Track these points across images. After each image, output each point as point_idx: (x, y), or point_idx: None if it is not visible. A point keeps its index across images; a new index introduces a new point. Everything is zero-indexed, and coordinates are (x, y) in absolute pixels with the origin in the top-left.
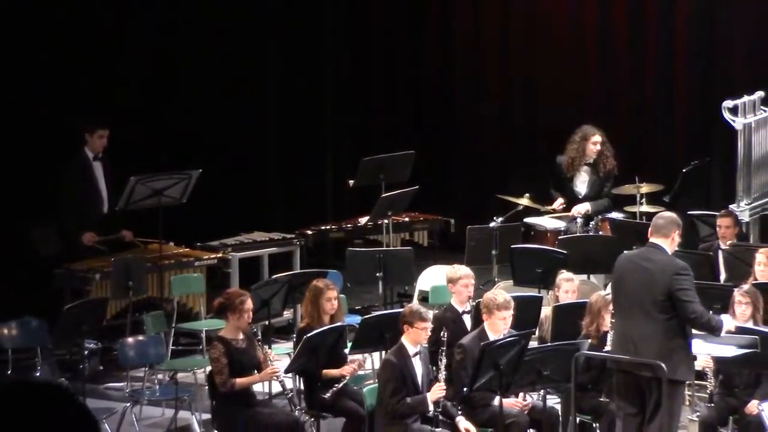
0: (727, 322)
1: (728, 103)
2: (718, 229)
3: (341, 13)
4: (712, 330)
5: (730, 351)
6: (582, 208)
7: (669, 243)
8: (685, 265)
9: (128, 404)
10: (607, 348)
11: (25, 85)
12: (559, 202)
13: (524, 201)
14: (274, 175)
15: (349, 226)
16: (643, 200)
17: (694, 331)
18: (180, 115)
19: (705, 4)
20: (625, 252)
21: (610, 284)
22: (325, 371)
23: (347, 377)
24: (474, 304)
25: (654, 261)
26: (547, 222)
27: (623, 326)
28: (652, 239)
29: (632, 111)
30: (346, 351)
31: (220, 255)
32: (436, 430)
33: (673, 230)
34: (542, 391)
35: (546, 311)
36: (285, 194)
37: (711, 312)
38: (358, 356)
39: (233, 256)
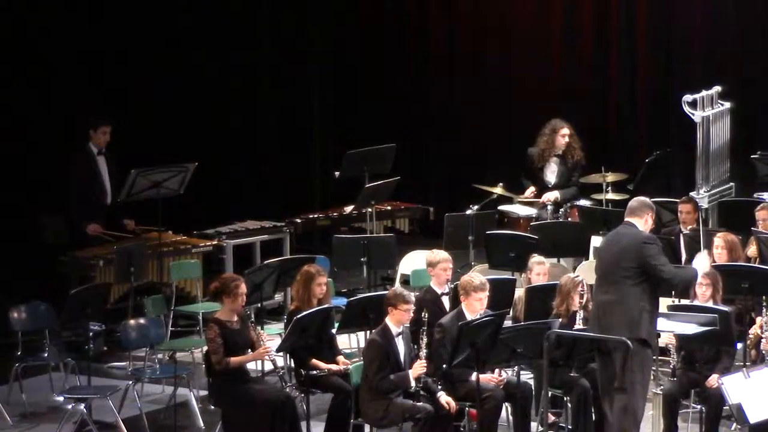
0: (700, 260)
1: (688, 97)
2: (679, 214)
3: (328, 16)
4: (689, 281)
5: (692, 328)
6: (552, 196)
7: (642, 223)
8: (653, 236)
9: (130, 382)
10: (577, 326)
11: (35, 83)
12: (530, 191)
13: (498, 190)
14: (266, 167)
15: (335, 214)
16: (609, 188)
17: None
18: (178, 112)
19: (664, 2)
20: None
21: (579, 267)
22: (314, 361)
23: (328, 372)
24: (452, 286)
25: (625, 235)
26: (519, 209)
27: (596, 296)
28: (626, 218)
29: (598, 105)
30: (333, 331)
31: (215, 242)
32: (418, 404)
33: (646, 212)
34: (516, 367)
35: (519, 292)
36: (275, 185)
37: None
38: (347, 361)
39: (228, 243)
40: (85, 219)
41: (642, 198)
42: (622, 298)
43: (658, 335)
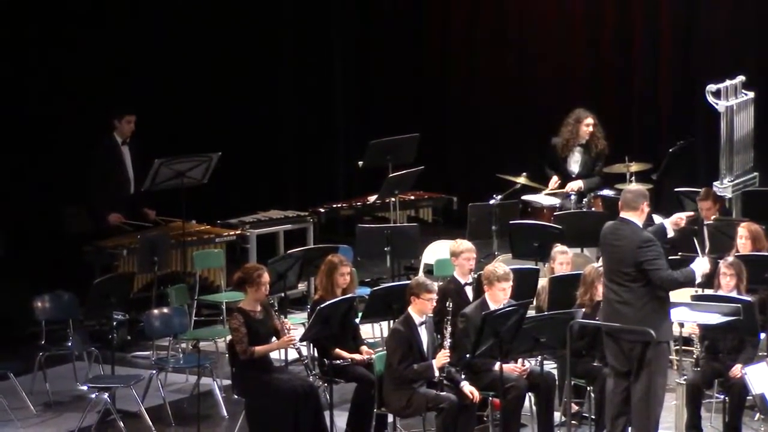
0: (700, 264)
1: (711, 87)
2: (699, 210)
3: (349, 8)
4: (686, 284)
5: (715, 318)
6: (575, 185)
7: (638, 215)
8: (648, 237)
9: (154, 371)
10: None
11: (58, 73)
12: (554, 181)
13: (522, 180)
14: (289, 157)
15: (358, 204)
16: (633, 178)
17: (680, 299)
18: (202, 102)
19: None
20: (604, 226)
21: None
22: (338, 351)
23: (352, 362)
24: (476, 276)
25: (621, 236)
26: (543, 199)
27: (606, 295)
28: (622, 214)
29: (622, 95)
30: (356, 321)
31: (238, 232)
32: (441, 394)
33: (642, 202)
34: (539, 356)
35: (543, 282)
36: (299, 175)
37: (678, 271)
38: (370, 350)
39: (251, 233)
40: (106, 208)
41: (635, 187)
42: (630, 300)
43: (682, 325)
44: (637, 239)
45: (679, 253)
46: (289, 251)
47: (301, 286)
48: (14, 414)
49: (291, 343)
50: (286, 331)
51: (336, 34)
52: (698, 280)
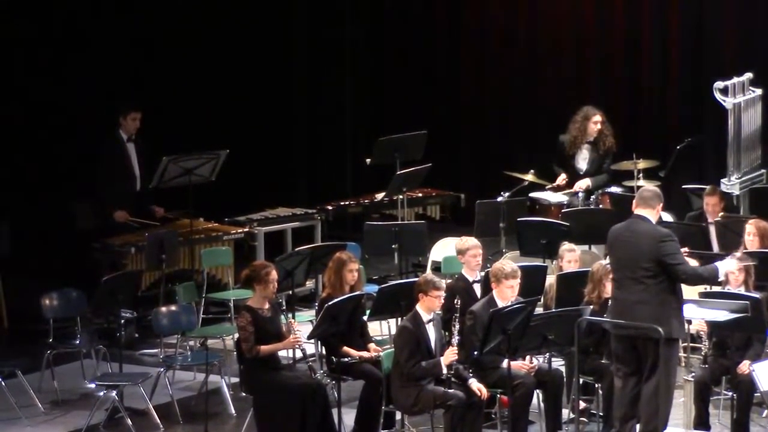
0: (726, 263)
1: (719, 84)
2: (705, 206)
3: (360, 6)
4: (708, 280)
5: (723, 315)
6: (583, 184)
7: (654, 214)
8: (669, 232)
9: (162, 369)
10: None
11: (64, 70)
12: (561, 178)
13: (529, 177)
14: (297, 154)
15: (366, 201)
16: (641, 175)
17: (687, 296)
18: (210, 99)
19: None
20: (613, 226)
21: None
22: (345, 348)
23: (360, 359)
24: (484, 273)
25: (639, 232)
26: (551, 196)
27: (619, 294)
28: (637, 211)
29: (629, 92)
30: (364, 318)
31: (246, 229)
32: (449, 391)
33: (658, 203)
34: (547, 354)
35: (550, 280)
36: (307, 172)
37: (703, 267)
38: (378, 348)
39: (259, 230)
40: (112, 205)
41: (652, 187)
42: (646, 298)
43: (689, 322)
44: (657, 234)
45: (686, 249)
46: (297, 249)
47: (309, 284)
48: (22, 412)
49: (296, 343)
50: (292, 331)
51: (347, 32)
52: (721, 277)
